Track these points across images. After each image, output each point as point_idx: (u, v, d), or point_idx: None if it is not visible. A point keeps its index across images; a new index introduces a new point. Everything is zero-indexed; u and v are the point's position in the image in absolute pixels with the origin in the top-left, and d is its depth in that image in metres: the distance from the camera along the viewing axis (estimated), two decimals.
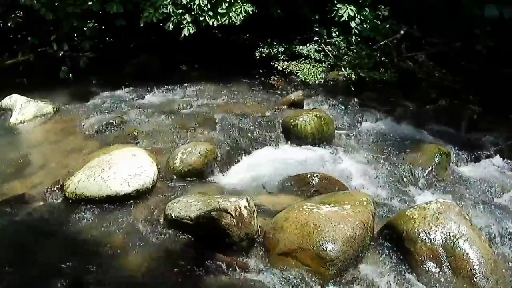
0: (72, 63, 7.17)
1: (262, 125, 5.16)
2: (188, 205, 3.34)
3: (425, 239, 3.14)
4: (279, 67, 6.71)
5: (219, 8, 6.23)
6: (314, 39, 7.17)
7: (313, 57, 6.85)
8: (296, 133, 4.99)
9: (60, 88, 6.47)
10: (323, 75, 6.61)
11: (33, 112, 5.41)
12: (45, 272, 2.97)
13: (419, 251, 3.12)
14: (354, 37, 6.97)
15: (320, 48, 7.01)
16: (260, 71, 6.93)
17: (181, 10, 6.20)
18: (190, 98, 6.13)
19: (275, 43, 7.09)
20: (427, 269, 3.06)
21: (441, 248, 3.10)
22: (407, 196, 4.14)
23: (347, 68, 6.59)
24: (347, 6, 6.73)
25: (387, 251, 3.24)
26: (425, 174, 4.45)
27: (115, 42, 8.11)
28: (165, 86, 6.59)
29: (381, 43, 6.92)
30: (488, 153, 4.93)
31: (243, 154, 4.66)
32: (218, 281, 2.95)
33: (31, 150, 4.64)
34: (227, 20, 6.27)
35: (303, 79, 6.51)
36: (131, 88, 6.53)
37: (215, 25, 6.37)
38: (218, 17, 6.24)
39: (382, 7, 7.02)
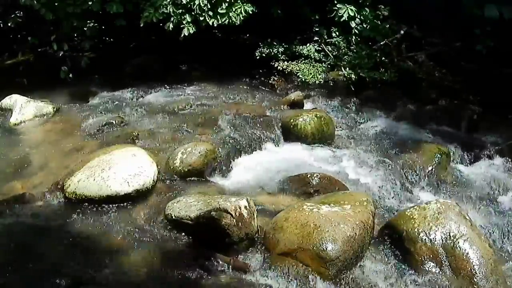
0: (72, 63, 7.16)
1: (262, 125, 5.15)
2: (188, 205, 3.35)
3: (425, 239, 3.14)
4: (279, 67, 6.71)
5: (219, 8, 6.22)
6: (314, 39, 7.17)
7: (313, 57, 6.85)
8: (296, 133, 4.99)
9: (60, 88, 6.46)
10: (323, 75, 6.61)
11: (33, 112, 5.41)
12: (45, 272, 2.97)
13: (419, 251, 3.12)
14: (354, 37, 6.97)
15: (320, 48, 7.01)
16: (260, 71, 6.92)
17: (181, 10, 6.20)
18: (190, 98, 6.12)
19: (275, 43, 7.08)
20: (427, 269, 3.06)
21: (441, 248, 3.10)
22: (407, 196, 4.14)
23: (347, 68, 6.59)
24: (347, 6, 6.73)
25: (387, 251, 3.25)
26: (425, 174, 4.46)
27: (115, 42, 8.10)
28: (165, 86, 6.59)
29: (381, 43, 6.92)
30: (488, 153, 4.93)
31: (243, 154, 4.66)
32: (218, 281, 2.95)
33: (31, 150, 4.63)
34: (227, 20, 6.26)
35: (303, 79, 6.51)
36: (131, 88, 6.53)
37: (215, 25, 6.36)
38: (218, 17, 6.24)
39: (382, 7, 7.02)
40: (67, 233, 3.36)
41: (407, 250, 3.16)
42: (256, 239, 3.25)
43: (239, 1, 6.34)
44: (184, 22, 6.20)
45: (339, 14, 6.72)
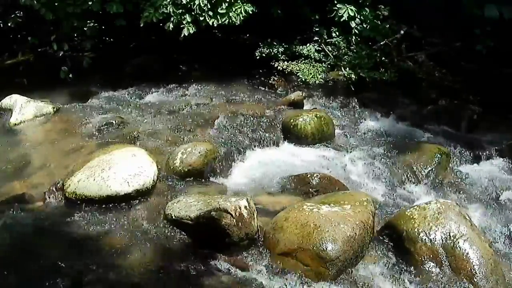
0: (72, 63, 7.16)
1: (262, 125, 5.16)
2: (188, 205, 3.34)
3: (425, 239, 3.14)
4: (279, 67, 6.71)
5: (219, 8, 6.22)
6: (314, 39, 7.16)
7: (313, 57, 6.85)
8: (296, 133, 4.99)
9: (60, 88, 6.46)
10: (323, 75, 6.61)
11: (33, 112, 5.40)
12: (45, 272, 2.97)
13: (419, 251, 3.12)
14: (354, 37, 6.97)
15: (320, 48, 7.01)
16: (260, 71, 6.92)
17: (181, 10, 6.20)
18: (190, 98, 6.12)
19: (275, 43, 7.08)
20: (427, 269, 3.06)
21: (441, 248, 3.10)
22: (407, 196, 4.14)
23: (347, 68, 6.59)
24: (347, 6, 6.73)
25: (387, 251, 3.24)
26: (425, 174, 4.45)
27: (115, 42, 8.10)
28: (165, 86, 6.59)
29: (381, 43, 6.92)
30: (488, 153, 4.94)
31: (243, 154, 4.66)
32: (218, 281, 2.95)
33: (31, 150, 4.63)
34: (227, 20, 6.26)
35: (303, 79, 6.51)
36: (131, 88, 6.53)
37: (215, 25, 6.36)
38: (218, 17, 6.23)
39: (382, 7, 7.02)
40: (67, 233, 3.35)
41: (407, 250, 3.16)
42: (256, 239, 3.25)
43: (239, 1, 6.34)
44: (184, 22, 6.20)
45: (339, 14, 6.72)
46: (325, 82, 6.56)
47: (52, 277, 2.87)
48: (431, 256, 3.09)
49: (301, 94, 6.03)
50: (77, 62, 7.19)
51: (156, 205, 3.65)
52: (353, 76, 6.47)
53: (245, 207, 3.22)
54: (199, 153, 4.20)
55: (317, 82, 6.46)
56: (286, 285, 2.91)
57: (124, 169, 3.79)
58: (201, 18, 6.22)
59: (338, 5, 6.78)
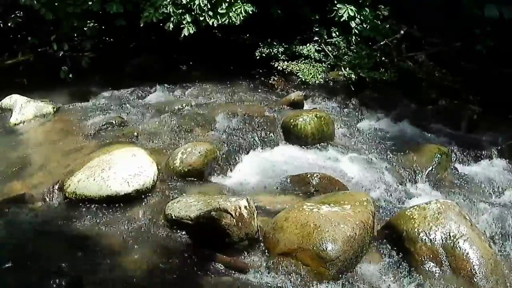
0: (72, 63, 7.16)
1: (262, 125, 5.15)
2: (188, 205, 3.35)
3: (425, 239, 3.14)
4: (279, 67, 6.71)
5: (219, 8, 6.22)
6: (314, 39, 7.16)
7: (313, 57, 6.85)
8: (296, 133, 4.99)
9: (60, 88, 6.46)
10: (323, 75, 6.61)
11: (33, 112, 5.40)
12: (45, 272, 2.97)
13: (419, 251, 3.12)
14: (354, 37, 6.97)
15: (320, 48, 7.01)
16: (260, 71, 6.93)
17: (181, 10, 6.20)
18: (190, 98, 6.13)
19: (275, 43, 7.08)
20: (427, 269, 3.06)
21: (441, 248, 3.10)
22: (407, 196, 4.14)
23: (347, 68, 6.59)
24: (347, 6, 6.73)
25: (387, 251, 3.24)
26: (425, 174, 4.46)
27: (115, 42, 8.10)
28: (165, 86, 6.59)
29: (381, 43, 6.92)
30: (488, 153, 4.94)
31: (243, 154, 4.65)
32: (218, 281, 2.95)
33: (31, 150, 4.63)
34: (227, 20, 6.27)
35: (303, 79, 6.51)
36: (131, 88, 6.53)
37: (215, 25, 6.36)
38: (218, 17, 6.24)
39: (382, 7, 7.02)
40: (67, 233, 3.36)
41: (407, 250, 3.16)
42: (256, 239, 3.25)
43: (239, 1, 6.35)
44: (184, 22, 6.20)
45: (339, 14, 6.72)
46: (325, 82, 6.57)
47: (52, 277, 2.86)
48: (431, 256, 3.09)
49: (301, 94, 6.03)
50: (77, 62, 7.20)
51: (156, 205, 3.65)
52: (353, 76, 6.47)
53: (245, 207, 3.22)
54: (199, 153, 4.20)
55: (317, 82, 6.47)
56: (286, 285, 2.91)
57: (124, 169, 3.79)
58: (201, 18, 6.22)
59: (338, 5, 6.78)
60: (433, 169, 4.50)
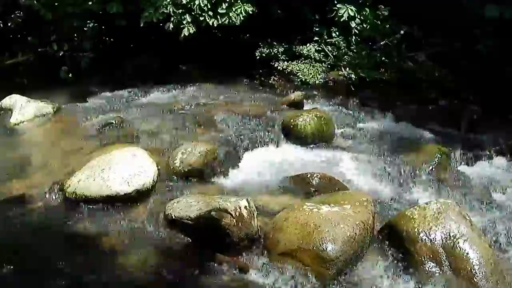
0: (72, 63, 7.17)
1: (262, 125, 5.16)
2: (188, 205, 3.34)
3: (425, 239, 3.13)
4: (279, 67, 6.72)
5: (219, 8, 6.24)
6: (314, 39, 7.17)
7: (313, 57, 6.86)
8: (296, 133, 4.99)
9: (60, 88, 6.47)
10: (323, 75, 6.62)
11: (33, 112, 5.41)
12: (45, 272, 2.97)
13: (419, 251, 3.11)
14: (354, 37, 6.98)
15: (320, 48, 7.02)
16: (260, 71, 6.93)
17: (181, 10, 6.21)
18: (190, 98, 6.13)
19: (275, 43, 7.09)
20: (427, 269, 3.06)
21: (441, 248, 3.10)
22: (407, 196, 4.14)
23: (347, 68, 6.60)
24: (347, 6, 6.74)
25: (387, 251, 3.24)
26: (425, 174, 4.45)
27: (115, 42, 8.11)
28: (165, 86, 6.59)
29: (381, 43, 6.93)
30: (488, 153, 4.94)
31: (243, 154, 4.65)
32: (218, 281, 2.95)
33: (31, 150, 4.64)
34: (227, 20, 6.28)
35: (303, 79, 6.52)
36: (131, 88, 6.53)
37: (215, 25, 6.37)
38: (218, 17, 6.25)
39: (382, 7, 7.02)
40: (67, 233, 3.36)
41: (407, 250, 3.16)
42: (256, 239, 3.25)
43: (239, 1, 6.35)
44: (184, 22, 6.22)
45: (339, 14, 6.73)
46: (325, 82, 6.57)
47: (52, 277, 2.87)
48: (431, 256, 3.09)
49: (301, 94, 6.03)
50: (76, 62, 7.20)
51: (156, 205, 3.65)
52: (353, 76, 6.48)
53: (245, 207, 3.22)
54: (199, 153, 4.20)
55: (317, 82, 6.48)
56: (286, 285, 2.91)
57: (124, 169, 3.79)
58: (201, 18, 6.23)
59: (338, 5, 6.79)
60: (433, 169, 4.50)
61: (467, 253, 3.05)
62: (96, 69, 7.12)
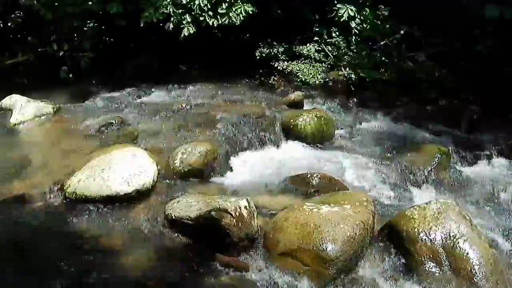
0: (72, 63, 7.17)
1: (262, 125, 5.15)
2: (188, 205, 3.34)
3: (425, 239, 3.13)
4: (279, 67, 6.71)
5: (219, 8, 6.24)
6: (314, 39, 7.17)
7: (313, 57, 6.86)
8: (296, 133, 4.99)
9: (60, 88, 6.47)
10: (323, 75, 6.62)
11: (33, 112, 5.41)
12: (45, 272, 2.97)
13: (419, 251, 3.11)
14: (354, 37, 6.98)
15: (320, 48, 7.02)
16: (260, 71, 6.93)
17: (181, 10, 6.21)
18: (190, 98, 6.12)
19: (275, 43, 7.09)
20: (427, 269, 3.06)
21: (441, 248, 3.10)
22: (407, 196, 4.14)
23: (347, 68, 6.60)
24: (347, 6, 6.74)
25: (387, 251, 3.24)
26: (425, 174, 4.45)
27: (115, 42, 8.10)
28: (165, 86, 6.59)
29: (381, 43, 6.93)
30: (488, 153, 4.94)
31: (243, 154, 4.65)
32: (218, 281, 2.95)
33: (31, 150, 4.63)
34: (227, 20, 6.28)
35: (303, 79, 6.52)
36: (131, 88, 6.53)
37: (215, 25, 6.37)
38: (218, 17, 6.25)
39: (382, 7, 7.02)
40: (67, 233, 3.36)
41: (407, 250, 3.16)
42: (256, 239, 3.25)
43: (239, 1, 6.35)
44: (184, 22, 6.22)
45: (339, 14, 6.73)
46: (325, 82, 6.57)
47: (52, 277, 2.87)
48: (431, 256, 3.09)
49: (301, 94, 6.03)
50: (77, 62, 7.20)
51: (156, 205, 3.65)
52: (353, 76, 6.47)
53: (245, 207, 3.22)
54: (199, 153, 4.20)
55: (317, 82, 6.47)
56: (286, 285, 2.91)
57: (124, 169, 3.79)
58: (201, 18, 6.23)
59: (338, 5, 6.79)
60: (433, 169, 4.50)
61: (467, 253, 3.05)
62: (96, 69, 7.12)
